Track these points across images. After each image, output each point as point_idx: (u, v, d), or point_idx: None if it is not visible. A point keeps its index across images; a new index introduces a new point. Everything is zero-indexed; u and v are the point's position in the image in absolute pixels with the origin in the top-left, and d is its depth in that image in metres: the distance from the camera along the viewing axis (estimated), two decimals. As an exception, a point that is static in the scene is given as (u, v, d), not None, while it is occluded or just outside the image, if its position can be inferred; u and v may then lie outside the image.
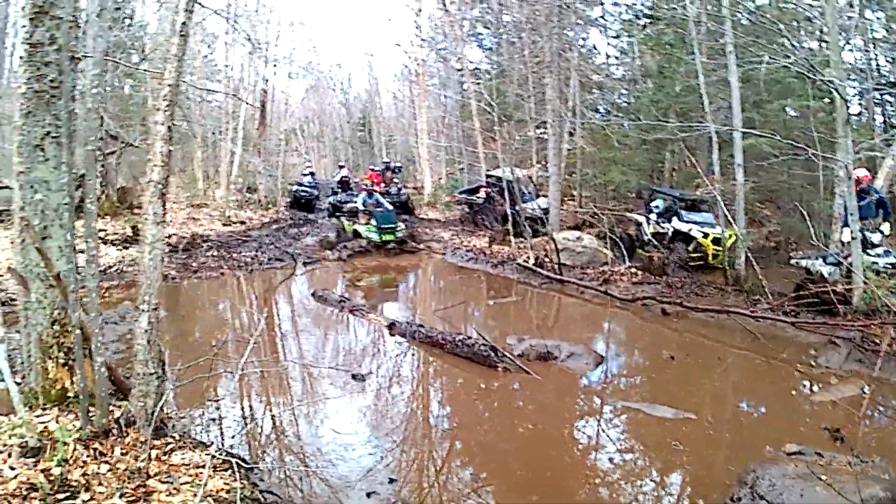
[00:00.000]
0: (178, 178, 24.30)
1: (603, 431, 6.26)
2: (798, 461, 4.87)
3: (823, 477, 4.45)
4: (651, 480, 5.21)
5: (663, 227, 14.18)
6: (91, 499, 3.79)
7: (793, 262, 12.03)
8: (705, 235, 13.09)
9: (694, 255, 13.20)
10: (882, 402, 6.92)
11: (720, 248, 12.44)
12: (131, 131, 17.86)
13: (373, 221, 16.85)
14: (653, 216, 14.67)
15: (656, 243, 14.02)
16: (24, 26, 4.69)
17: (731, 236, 12.41)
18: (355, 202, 18.18)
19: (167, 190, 4.81)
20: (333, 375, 7.55)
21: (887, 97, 18.91)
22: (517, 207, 15.81)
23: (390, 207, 17.94)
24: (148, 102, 19.78)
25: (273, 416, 6.41)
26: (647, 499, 4.89)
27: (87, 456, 4.13)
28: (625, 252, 14.04)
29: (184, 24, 4.82)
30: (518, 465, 5.49)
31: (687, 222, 13.61)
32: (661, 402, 6.63)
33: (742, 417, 6.71)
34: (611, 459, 5.60)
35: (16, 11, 15.49)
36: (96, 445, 4.24)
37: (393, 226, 16.96)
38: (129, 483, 3.97)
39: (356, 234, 17.13)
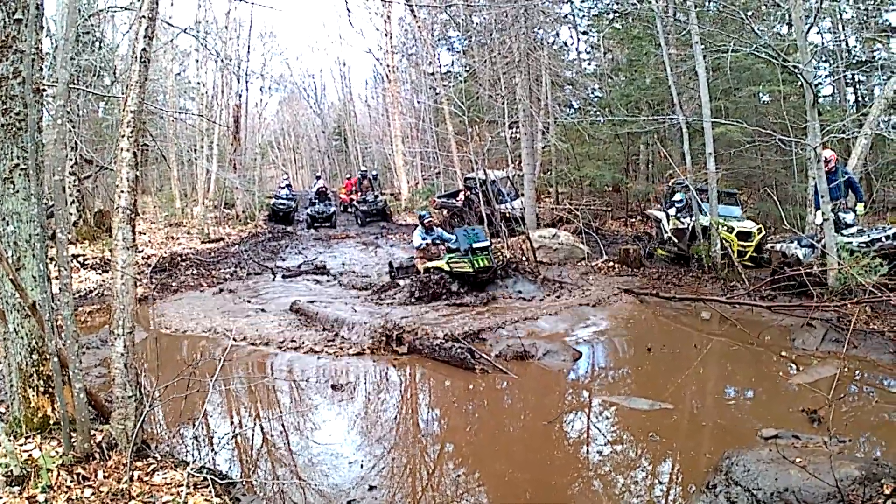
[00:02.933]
0: (155, 199, 24.30)
1: (583, 427, 6.33)
2: (774, 445, 4.89)
3: (798, 459, 4.47)
4: (629, 473, 5.25)
5: (682, 223, 13.39)
6: (76, 522, 3.87)
7: (768, 246, 12.11)
8: (730, 230, 12.22)
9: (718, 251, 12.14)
10: (860, 381, 7.09)
11: (748, 245, 12.20)
12: (106, 154, 17.84)
13: (457, 246, 12.08)
14: (672, 211, 13.91)
15: (676, 241, 13.53)
16: (-11, 61, 4.77)
17: (759, 230, 12.28)
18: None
19: (136, 215, 4.90)
20: (315, 387, 7.63)
21: (858, 77, 19.19)
22: (492, 208, 15.88)
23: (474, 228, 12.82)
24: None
25: (254, 430, 6.45)
26: (625, 492, 4.95)
27: (71, 481, 4.21)
28: (643, 252, 13.71)
29: (144, 50, 4.89)
30: (504, 464, 5.50)
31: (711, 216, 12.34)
32: (639, 395, 6.74)
33: (720, 404, 6.76)
34: (593, 453, 5.66)
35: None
36: (79, 470, 4.32)
37: (487, 243, 12.11)
38: (112, 505, 4.05)
39: (432, 276, 11.89)
